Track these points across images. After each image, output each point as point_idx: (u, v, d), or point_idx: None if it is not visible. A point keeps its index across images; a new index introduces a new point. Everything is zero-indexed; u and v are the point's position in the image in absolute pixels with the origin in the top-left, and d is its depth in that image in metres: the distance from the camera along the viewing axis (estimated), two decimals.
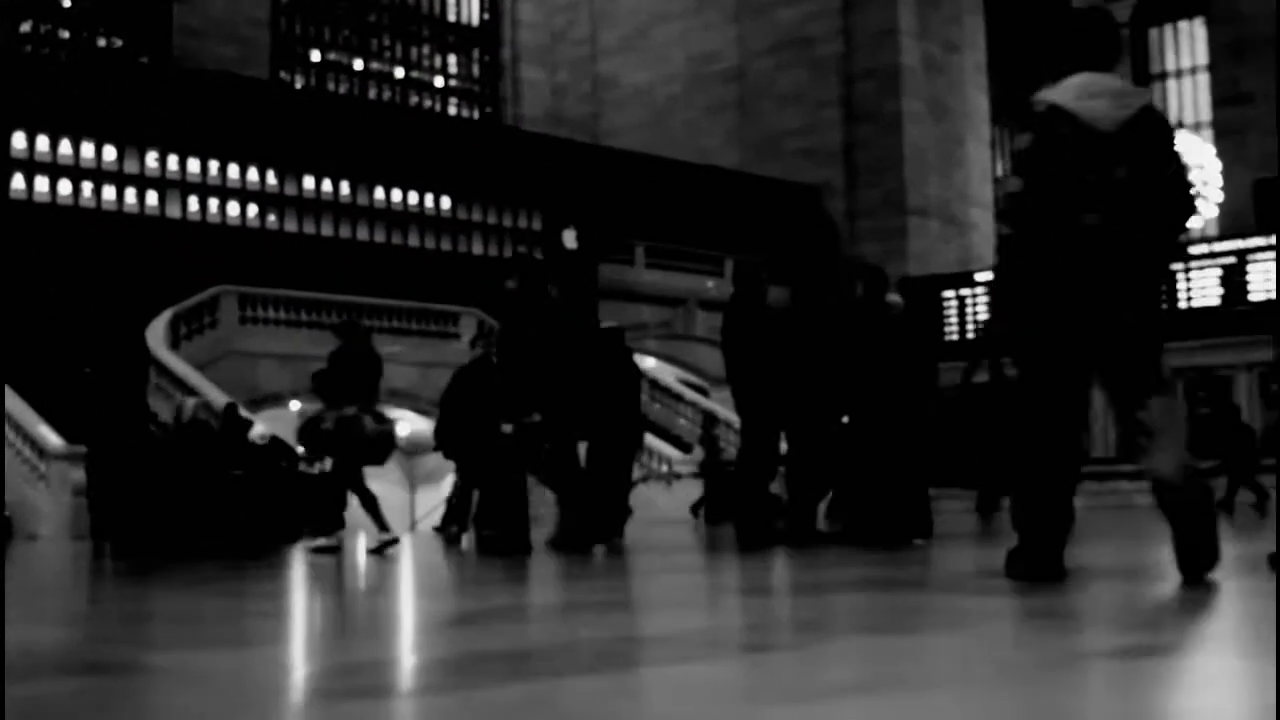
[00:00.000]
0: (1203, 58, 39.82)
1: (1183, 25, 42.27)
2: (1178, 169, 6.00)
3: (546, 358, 11.19)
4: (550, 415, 11.33)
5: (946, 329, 34.56)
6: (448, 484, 30.37)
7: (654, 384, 34.29)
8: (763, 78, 40.50)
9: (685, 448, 30.91)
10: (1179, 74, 42.43)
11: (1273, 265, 31.16)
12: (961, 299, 34.82)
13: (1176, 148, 6.12)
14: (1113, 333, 5.97)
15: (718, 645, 4.29)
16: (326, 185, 32.58)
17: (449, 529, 14.37)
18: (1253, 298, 31.14)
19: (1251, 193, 34.36)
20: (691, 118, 42.06)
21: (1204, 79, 39.71)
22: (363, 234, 32.94)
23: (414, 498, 32.35)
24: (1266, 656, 3.75)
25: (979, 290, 34.62)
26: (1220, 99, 37.31)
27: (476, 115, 45.62)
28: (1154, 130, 6.00)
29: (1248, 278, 31.38)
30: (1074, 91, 6.18)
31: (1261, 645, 4.05)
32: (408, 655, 4.25)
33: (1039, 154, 6.11)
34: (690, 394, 33.79)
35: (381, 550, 11.56)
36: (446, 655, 4.18)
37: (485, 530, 11.88)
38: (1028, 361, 6.14)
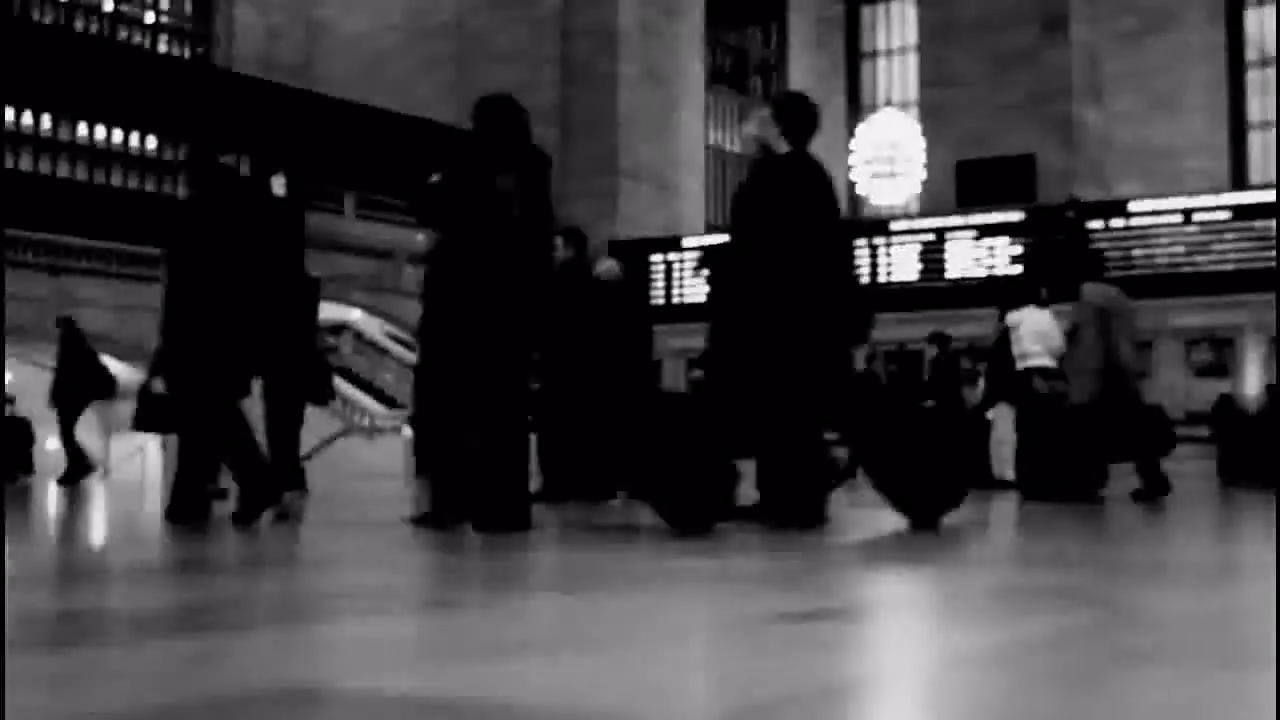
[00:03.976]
0: (912, 38, 40.75)
1: (894, 6, 43.21)
2: None
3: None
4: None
5: (654, 293, 34.87)
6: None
7: (358, 337, 33.97)
8: (481, 33, 40.27)
9: (388, 401, 30.70)
10: (889, 53, 43.37)
11: (970, 244, 32.11)
12: (669, 263, 35.16)
13: None
14: None
15: (404, 601, 4.28)
16: (26, 118, 31.46)
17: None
18: (949, 275, 32.05)
19: (954, 173, 35.35)
20: (408, 70, 41.64)
21: (913, 59, 40.64)
22: (63, 170, 31.90)
23: (109, 444, 31.57)
24: (947, 623, 3.87)
25: (686, 255, 34.98)
26: (927, 80, 38.26)
27: (187, 54, 44.50)
28: None
29: (945, 255, 32.28)
30: None
31: (938, 611, 4.18)
32: (87, 605, 4.15)
33: None
34: (396, 348, 33.57)
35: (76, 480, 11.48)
36: (125, 607, 4.09)
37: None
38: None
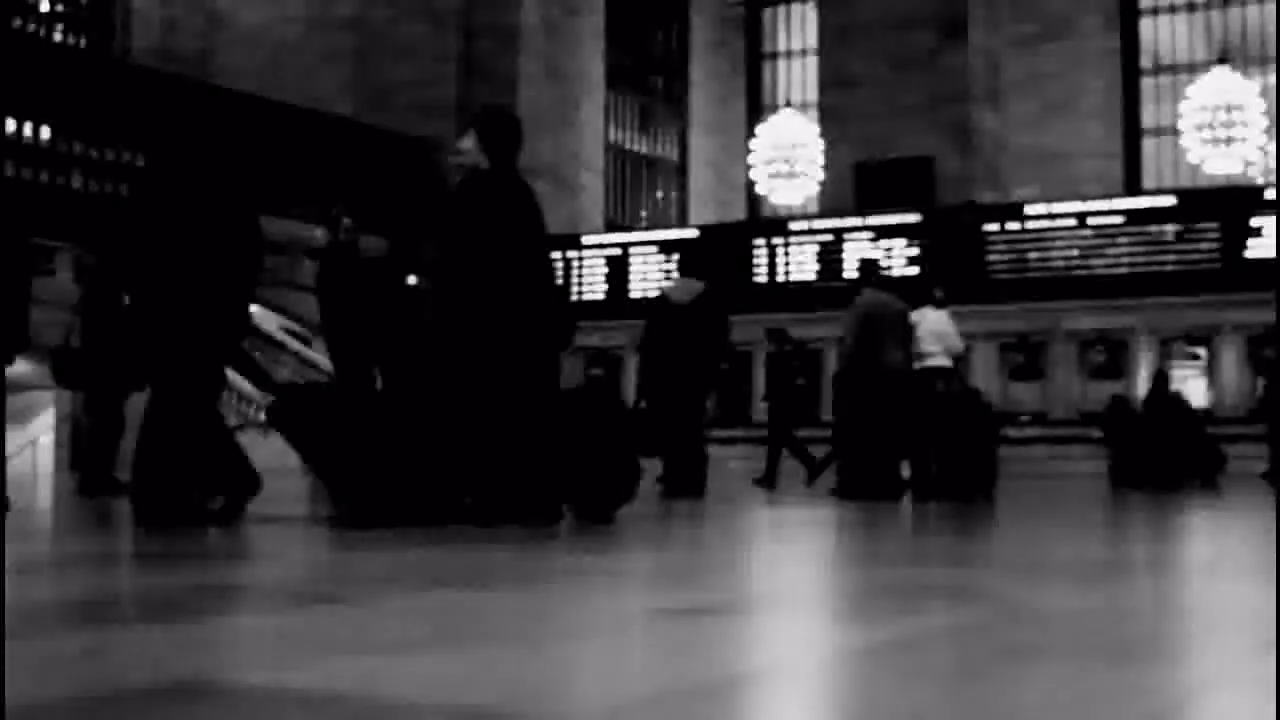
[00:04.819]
0: (813, 41, 40.86)
1: (795, 8, 43.38)
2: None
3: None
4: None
5: None
6: (40, 423, 29.31)
7: (255, 331, 33.69)
8: (382, 28, 40.06)
9: None
10: (789, 55, 43.54)
11: (867, 245, 32.28)
12: (568, 260, 35.10)
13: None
14: None
15: (292, 596, 4.24)
16: None
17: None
18: (847, 275, 32.18)
19: (852, 174, 35.50)
20: (307, 63, 41.32)
21: (813, 61, 40.74)
22: None
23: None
24: (835, 619, 3.88)
25: (586, 253, 34.98)
26: (826, 82, 38.38)
27: (83, 44, 43.94)
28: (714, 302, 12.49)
29: (843, 255, 32.43)
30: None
31: (827, 607, 4.19)
32: None
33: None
34: (293, 342, 33.31)
35: None
36: (11, 601, 4.03)
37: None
38: None
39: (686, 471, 13.28)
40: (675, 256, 33.22)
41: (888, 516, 9.94)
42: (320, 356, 30.79)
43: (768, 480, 16.96)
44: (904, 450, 13.16)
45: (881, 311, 13.19)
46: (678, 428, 13.39)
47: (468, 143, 8.10)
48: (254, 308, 33.84)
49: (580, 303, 33.96)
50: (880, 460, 12.75)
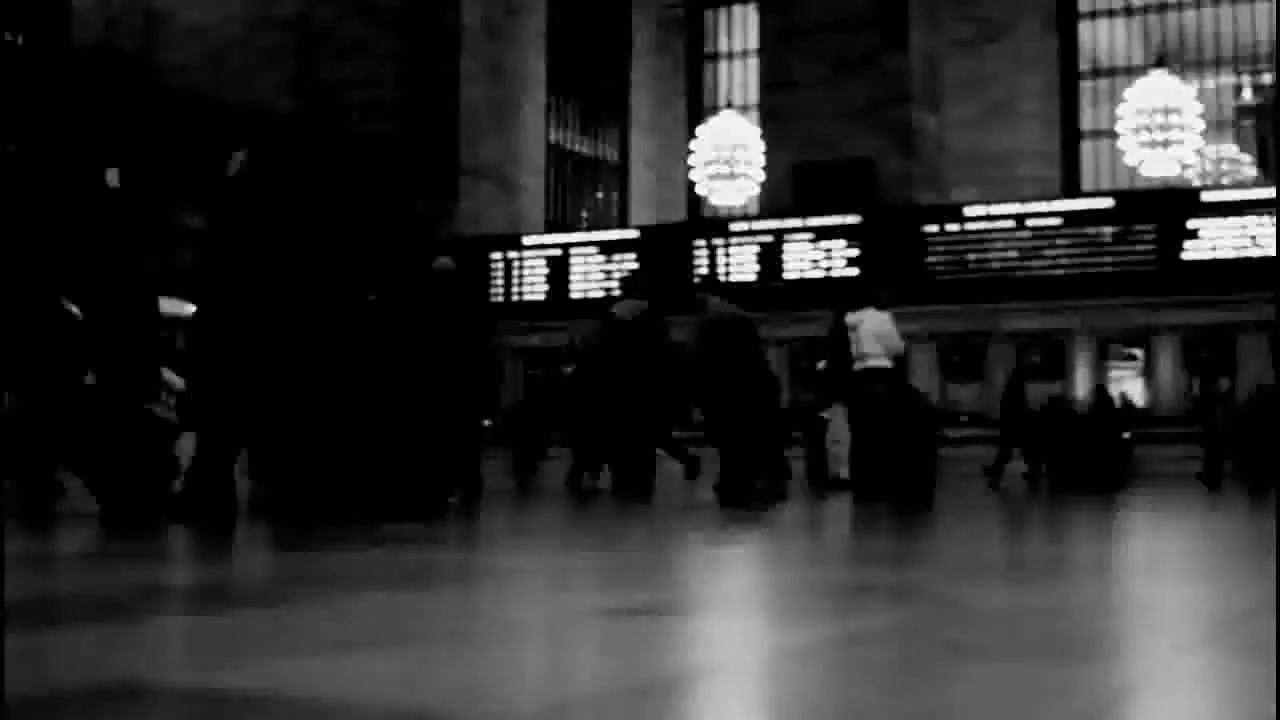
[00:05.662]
0: (754, 42, 40.95)
1: (737, 9, 43.48)
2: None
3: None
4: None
5: (493, 290, 34.77)
6: None
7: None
8: (323, 27, 39.92)
9: None
10: (730, 56, 43.63)
11: (807, 246, 32.35)
12: (509, 261, 35.08)
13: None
14: None
15: (234, 597, 4.22)
16: None
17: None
18: (786, 276, 32.26)
19: (792, 175, 35.58)
20: (249, 61, 41.14)
21: (754, 62, 40.83)
22: None
23: None
24: (774, 618, 3.89)
25: (526, 253, 34.94)
26: (768, 83, 38.46)
27: (21, 41, 43.60)
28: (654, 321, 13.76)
29: (783, 257, 32.49)
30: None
31: (767, 607, 4.20)
32: None
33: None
34: None
35: None
36: None
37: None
38: None
39: (634, 475, 13.60)
40: (616, 257, 33.31)
41: (827, 516, 9.97)
42: None
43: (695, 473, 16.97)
44: (767, 454, 13.49)
45: (720, 321, 13.51)
46: (625, 434, 13.72)
47: (242, 155, 8.47)
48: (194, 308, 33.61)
49: (521, 303, 33.99)
50: (750, 464, 12.89)
